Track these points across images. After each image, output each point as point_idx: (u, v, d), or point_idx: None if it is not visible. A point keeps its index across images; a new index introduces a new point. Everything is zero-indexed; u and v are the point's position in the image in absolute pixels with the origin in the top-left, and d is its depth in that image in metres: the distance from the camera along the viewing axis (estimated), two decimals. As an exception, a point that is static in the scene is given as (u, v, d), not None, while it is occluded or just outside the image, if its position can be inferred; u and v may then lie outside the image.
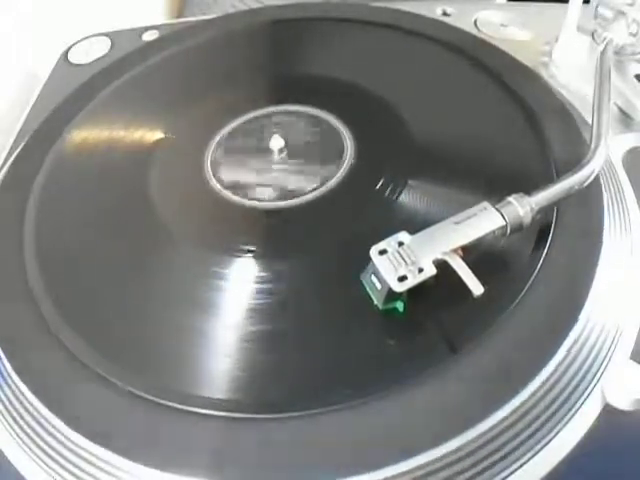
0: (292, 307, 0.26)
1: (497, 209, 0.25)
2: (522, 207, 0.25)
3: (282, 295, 0.26)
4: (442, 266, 0.24)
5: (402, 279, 0.23)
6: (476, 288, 0.23)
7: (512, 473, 0.22)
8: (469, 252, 0.24)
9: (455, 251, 0.24)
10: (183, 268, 0.28)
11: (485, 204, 0.25)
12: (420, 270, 0.23)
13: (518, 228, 0.25)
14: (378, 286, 0.24)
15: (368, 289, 0.25)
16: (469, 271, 0.23)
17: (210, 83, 0.37)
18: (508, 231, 0.25)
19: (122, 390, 0.24)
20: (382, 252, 0.24)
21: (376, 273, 0.24)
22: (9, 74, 0.45)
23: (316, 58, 0.38)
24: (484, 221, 0.25)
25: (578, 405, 0.23)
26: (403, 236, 0.24)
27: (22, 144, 0.35)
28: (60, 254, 0.29)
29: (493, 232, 0.25)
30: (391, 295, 0.24)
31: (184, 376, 0.24)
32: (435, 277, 0.24)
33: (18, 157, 0.34)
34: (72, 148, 0.34)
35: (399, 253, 0.24)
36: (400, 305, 0.24)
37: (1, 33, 0.44)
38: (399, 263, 0.24)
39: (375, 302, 0.24)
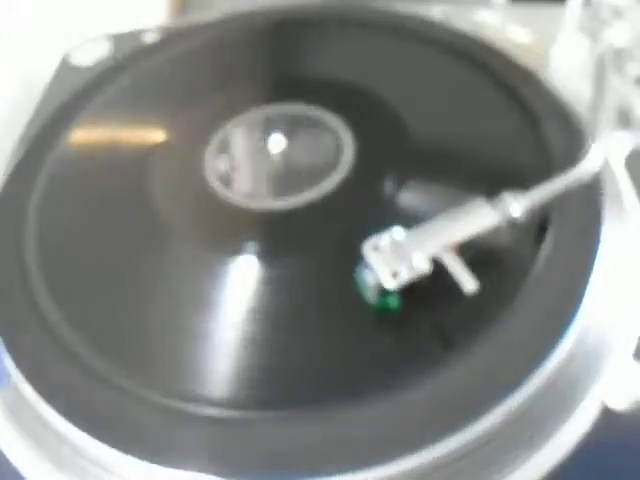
0: (291, 307, 0.26)
1: (491, 206, 0.25)
2: (516, 205, 0.25)
3: (281, 295, 0.26)
4: (440, 265, 0.24)
5: (395, 275, 0.23)
6: (469, 285, 0.23)
7: (511, 473, 0.22)
8: (464, 249, 0.24)
9: (449, 248, 0.24)
10: (182, 267, 0.28)
11: (479, 201, 0.25)
12: (413, 267, 0.23)
13: (512, 226, 0.25)
14: (371, 282, 0.24)
15: (361, 285, 0.25)
16: (463, 268, 0.23)
17: (210, 83, 0.37)
18: (502, 228, 0.25)
19: (121, 389, 0.24)
20: (376, 248, 0.24)
21: (369, 269, 0.24)
22: (10, 77, 0.45)
23: (317, 59, 0.38)
24: (477, 218, 0.25)
25: (577, 405, 0.23)
26: (397, 232, 0.24)
27: (24, 147, 0.35)
28: (60, 254, 0.29)
29: (487, 229, 0.25)
30: (384, 291, 0.24)
31: (184, 376, 0.24)
32: (432, 276, 0.23)
33: (20, 160, 0.34)
34: (73, 149, 0.34)
35: (392, 249, 0.24)
36: (394, 302, 0.24)
37: (2, 36, 0.44)
38: (392, 259, 0.24)
39: (369, 298, 0.24)
